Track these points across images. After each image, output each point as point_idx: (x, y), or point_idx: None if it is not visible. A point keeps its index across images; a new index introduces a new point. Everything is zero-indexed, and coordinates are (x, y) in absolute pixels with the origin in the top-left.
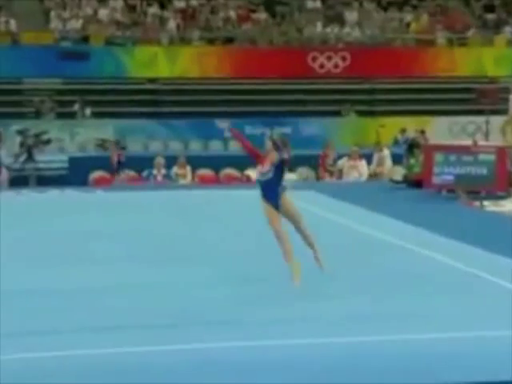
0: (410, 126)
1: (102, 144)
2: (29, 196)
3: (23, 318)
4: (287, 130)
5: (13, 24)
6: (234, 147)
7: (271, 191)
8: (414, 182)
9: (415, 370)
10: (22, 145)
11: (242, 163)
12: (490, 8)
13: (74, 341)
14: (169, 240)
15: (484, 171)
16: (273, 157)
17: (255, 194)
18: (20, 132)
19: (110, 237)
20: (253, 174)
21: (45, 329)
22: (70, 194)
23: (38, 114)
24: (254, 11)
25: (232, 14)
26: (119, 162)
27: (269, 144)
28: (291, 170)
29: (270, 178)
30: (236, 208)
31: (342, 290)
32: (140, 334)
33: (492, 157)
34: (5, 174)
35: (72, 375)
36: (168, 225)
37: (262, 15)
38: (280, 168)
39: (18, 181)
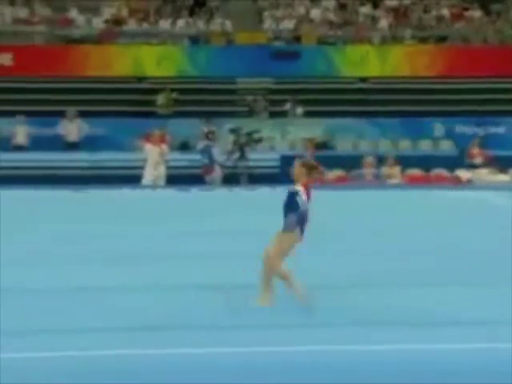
0: None
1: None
2: (240, 193)
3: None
4: (501, 129)
5: (228, 25)
6: (444, 147)
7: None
8: None
9: None
10: (234, 143)
11: (452, 163)
12: None
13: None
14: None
15: None
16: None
17: (465, 195)
18: (233, 130)
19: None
20: (462, 174)
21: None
22: (281, 192)
23: (250, 113)
24: (467, 9)
25: (445, 12)
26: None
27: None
28: (503, 171)
29: None
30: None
31: None
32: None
33: None
34: (218, 172)
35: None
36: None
37: (476, 13)
38: None
39: (230, 178)
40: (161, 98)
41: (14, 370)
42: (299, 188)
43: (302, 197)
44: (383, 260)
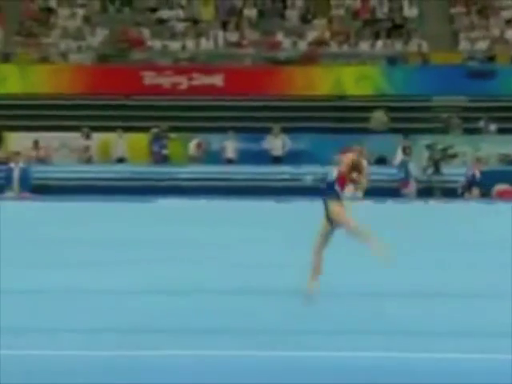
0: None
1: (504, 159)
2: (435, 206)
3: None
4: None
5: (424, 45)
6: None
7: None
8: None
9: None
10: (429, 158)
11: None
12: None
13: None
14: None
15: None
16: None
17: None
18: (428, 146)
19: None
20: None
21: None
22: (474, 205)
23: (445, 130)
24: None
25: None
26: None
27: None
28: None
29: None
30: None
31: None
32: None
33: None
34: (413, 186)
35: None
36: None
37: None
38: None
39: (424, 192)
40: (376, 116)
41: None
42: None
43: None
44: None
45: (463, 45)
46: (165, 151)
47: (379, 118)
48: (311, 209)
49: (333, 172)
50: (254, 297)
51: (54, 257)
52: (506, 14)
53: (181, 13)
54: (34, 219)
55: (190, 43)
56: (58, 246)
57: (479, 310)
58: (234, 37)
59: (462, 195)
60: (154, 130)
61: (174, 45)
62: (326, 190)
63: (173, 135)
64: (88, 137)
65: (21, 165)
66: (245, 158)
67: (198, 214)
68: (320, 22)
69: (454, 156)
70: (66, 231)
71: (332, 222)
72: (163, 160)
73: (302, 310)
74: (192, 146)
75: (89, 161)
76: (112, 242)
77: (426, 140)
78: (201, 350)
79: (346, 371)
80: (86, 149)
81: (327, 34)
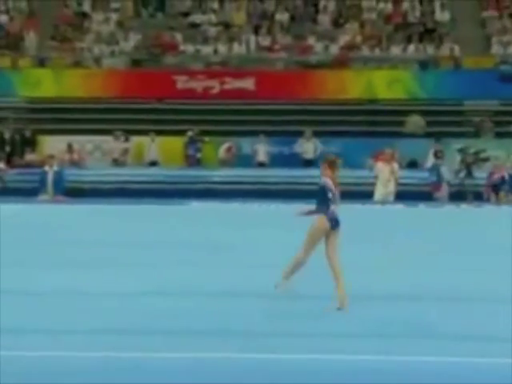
0: None
1: None
2: (467, 210)
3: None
4: None
5: (456, 49)
6: None
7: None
8: None
9: None
10: (461, 162)
11: None
12: None
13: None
14: None
15: None
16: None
17: None
18: (460, 150)
19: None
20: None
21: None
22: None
23: (477, 134)
24: None
25: None
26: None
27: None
28: None
29: None
30: None
31: None
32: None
33: None
34: (445, 189)
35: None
36: None
37: None
38: None
39: (456, 196)
40: (413, 120)
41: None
42: (325, 179)
43: (329, 186)
44: None
45: (495, 48)
46: (199, 154)
47: (416, 122)
48: (341, 212)
49: (326, 183)
50: (282, 299)
51: (68, 258)
52: None
53: (213, 17)
54: (64, 221)
55: (222, 47)
56: (77, 248)
57: (507, 314)
58: (265, 41)
59: (487, 199)
60: (190, 134)
61: (207, 49)
62: (319, 201)
63: (207, 139)
64: (127, 139)
65: (55, 168)
66: (276, 161)
67: (229, 216)
68: (352, 26)
69: (486, 160)
70: (91, 233)
71: (329, 228)
72: (197, 163)
73: (334, 312)
74: (222, 149)
75: (124, 163)
76: (136, 244)
77: (457, 144)
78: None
79: (369, 373)
80: (125, 151)
81: (359, 38)
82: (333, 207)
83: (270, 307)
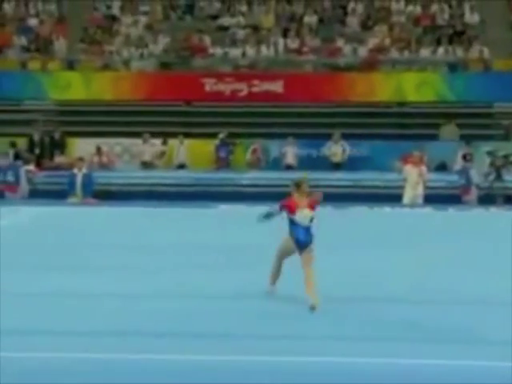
0: None
1: None
2: (496, 213)
3: None
4: None
5: (486, 52)
6: None
7: (310, 235)
8: None
9: None
10: (491, 165)
11: None
12: None
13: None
14: None
15: None
16: (314, 201)
17: None
18: (489, 153)
19: None
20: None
21: None
22: None
23: (506, 136)
24: None
25: None
26: None
27: (305, 187)
28: None
29: (311, 223)
30: None
31: None
32: None
33: None
34: (474, 193)
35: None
36: None
37: None
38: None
39: (486, 199)
40: (448, 130)
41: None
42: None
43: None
44: None
45: None
46: (230, 157)
47: (451, 131)
48: (370, 215)
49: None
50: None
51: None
52: None
53: (242, 20)
54: (91, 224)
55: (250, 50)
56: (98, 251)
57: None
58: (294, 44)
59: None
60: (221, 136)
61: (235, 52)
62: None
63: (238, 141)
64: (164, 142)
65: (84, 170)
66: (304, 163)
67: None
68: (380, 29)
69: None
70: (116, 236)
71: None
72: (228, 166)
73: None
74: (248, 151)
75: (158, 166)
76: (154, 248)
77: (487, 146)
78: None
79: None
80: (161, 154)
81: (388, 41)
82: (296, 228)
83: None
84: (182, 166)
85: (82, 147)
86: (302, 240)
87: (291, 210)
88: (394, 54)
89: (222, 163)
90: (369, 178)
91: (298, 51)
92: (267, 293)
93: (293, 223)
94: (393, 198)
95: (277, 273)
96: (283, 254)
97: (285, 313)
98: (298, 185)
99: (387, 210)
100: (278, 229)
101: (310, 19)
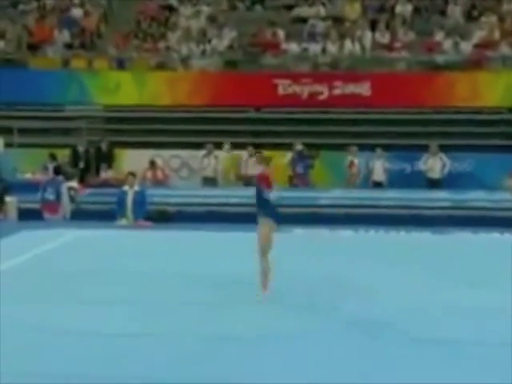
0: None
1: None
2: None
3: None
4: None
5: None
6: None
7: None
8: None
9: None
10: None
11: None
12: None
13: None
14: None
15: None
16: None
17: None
18: None
19: None
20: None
21: None
22: None
23: None
24: None
25: None
26: None
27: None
28: None
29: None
30: None
31: None
32: None
33: None
34: None
35: None
36: None
37: None
38: None
39: None
40: None
41: None
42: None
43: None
44: None
45: None
46: (310, 172)
47: None
48: (475, 241)
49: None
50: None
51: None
52: None
53: (322, 10)
54: (140, 251)
55: (331, 46)
56: (147, 281)
57: None
58: (384, 38)
59: None
60: (298, 148)
61: (314, 48)
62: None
63: (316, 153)
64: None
65: (135, 188)
66: (396, 180)
67: (338, 245)
68: (488, 20)
69: None
70: (171, 264)
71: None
72: (307, 184)
73: None
74: (344, 165)
75: (214, 182)
76: (218, 279)
77: None
78: None
79: None
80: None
81: (497, 34)
82: (270, 205)
83: None
84: (248, 183)
85: (132, 160)
86: (278, 215)
87: (271, 186)
88: (505, 49)
89: (300, 180)
90: (473, 197)
91: (389, 47)
92: (257, 296)
93: (268, 201)
94: (503, 221)
95: (268, 273)
96: (268, 246)
97: None
98: (269, 160)
99: (496, 235)
100: (362, 258)
101: (404, 9)
